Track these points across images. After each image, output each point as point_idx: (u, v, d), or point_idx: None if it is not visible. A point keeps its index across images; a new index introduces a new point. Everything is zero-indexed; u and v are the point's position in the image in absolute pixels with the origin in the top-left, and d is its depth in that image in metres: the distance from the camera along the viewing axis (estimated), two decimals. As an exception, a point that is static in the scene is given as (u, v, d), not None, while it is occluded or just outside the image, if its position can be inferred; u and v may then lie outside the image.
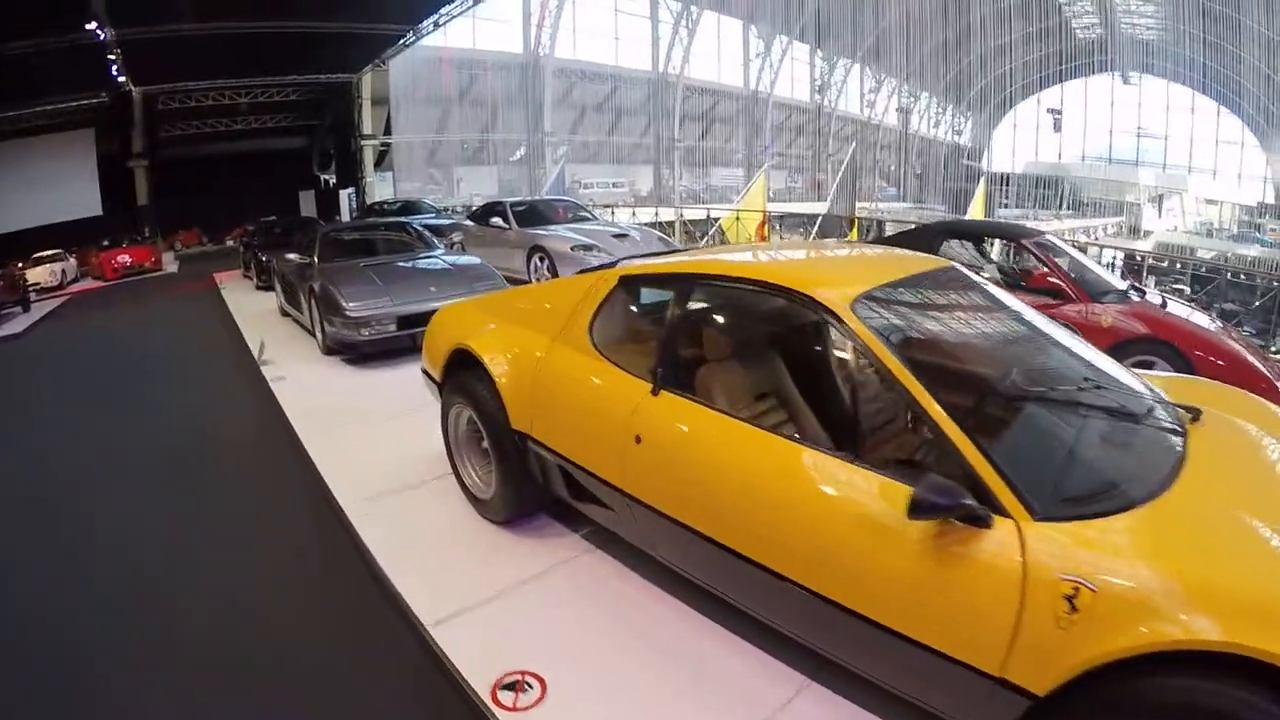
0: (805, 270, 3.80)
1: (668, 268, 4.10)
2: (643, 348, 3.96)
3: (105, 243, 29.07)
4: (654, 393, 3.57)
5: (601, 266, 4.68)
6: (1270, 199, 44.24)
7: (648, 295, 4.32)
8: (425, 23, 33.38)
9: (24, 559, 5.17)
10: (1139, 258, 29.10)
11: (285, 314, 12.42)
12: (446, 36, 37.97)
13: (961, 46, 51.92)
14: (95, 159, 35.74)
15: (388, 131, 40.95)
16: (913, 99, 56.98)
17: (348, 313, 8.60)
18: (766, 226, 21.65)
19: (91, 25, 25.69)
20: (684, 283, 3.85)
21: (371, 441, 6.39)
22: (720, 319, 4.14)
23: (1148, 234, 48.12)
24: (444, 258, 10.64)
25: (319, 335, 9.60)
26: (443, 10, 32.82)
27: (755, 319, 4.15)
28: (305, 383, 8.49)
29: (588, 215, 15.14)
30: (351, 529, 4.83)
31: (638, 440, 3.50)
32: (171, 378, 10.44)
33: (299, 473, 6.02)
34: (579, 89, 46.17)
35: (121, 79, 31.51)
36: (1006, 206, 50.96)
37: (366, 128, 39.58)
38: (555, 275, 11.79)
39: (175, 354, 12.37)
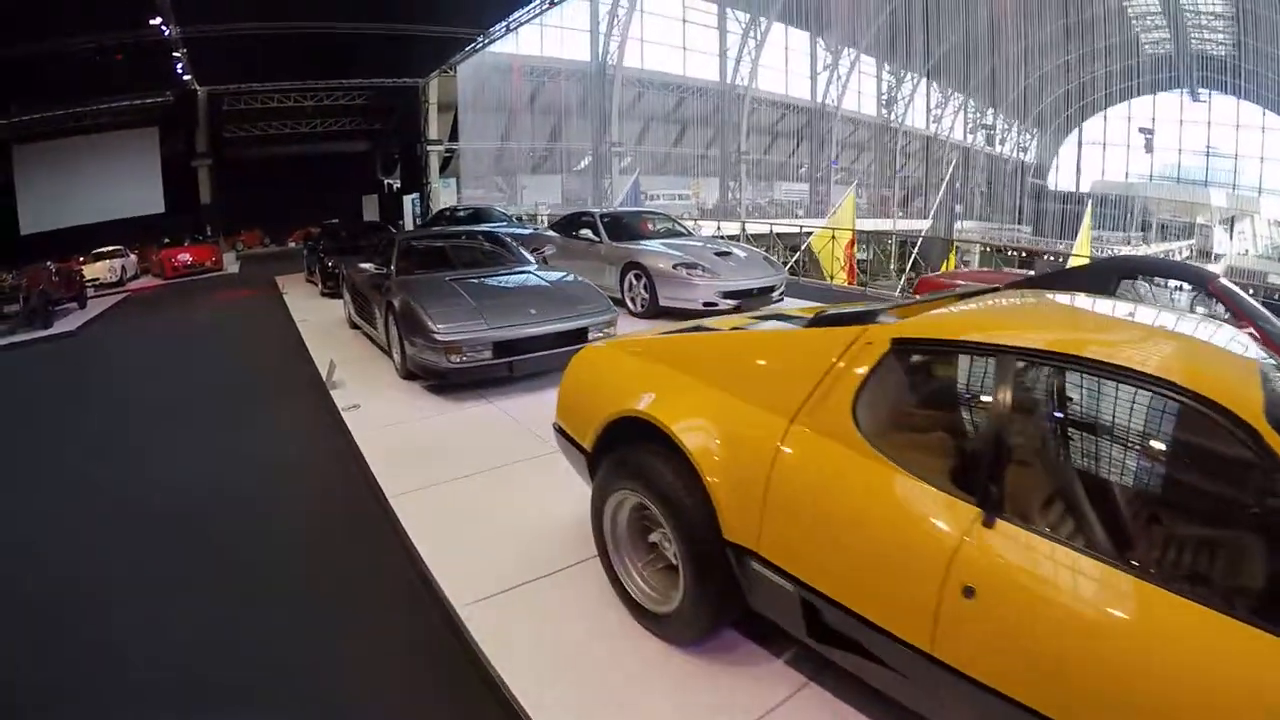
0: (1189, 359, 2.45)
1: (964, 332, 2.76)
2: (945, 446, 2.72)
3: (166, 240, 28.23)
4: (987, 522, 2.28)
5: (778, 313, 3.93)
6: None
7: (938, 366, 2.96)
8: (496, 26, 32.16)
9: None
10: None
11: (354, 326, 11.28)
12: (518, 42, 36.90)
13: (1029, 62, 49.91)
14: (159, 157, 35.15)
15: (453, 138, 39.98)
16: (980, 115, 55.06)
17: (435, 335, 7.34)
18: (855, 246, 20.28)
19: (156, 21, 24.82)
20: (1007, 359, 2.52)
21: (476, 502, 5.12)
22: (1075, 417, 2.59)
23: (1219, 257, 45.87)
24: (538, 273, 9.39)
25: (396, 356, 8.42)
26: (513, 15, 31.52)
27: (1128, 422, 2.64)
28: (383, 414, 7.21)
29: (681, 229, 13.87)
30: (471, 642, 3.51)
31: (967, 593, 2.23)
32: (227, 395, 9.25)
33: (386, 542, 4.76)
34: (646, 99, 44.85)
35: (186, 77, 30.89)
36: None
37: (433, 133, 38.67)
38: (653, 296, 10.84)
39: (233, 365, 11.22)
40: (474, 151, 40.81)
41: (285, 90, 35.59)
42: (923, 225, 45.68)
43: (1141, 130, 47.22)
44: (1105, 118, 54.46)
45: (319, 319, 12.91)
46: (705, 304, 10.58)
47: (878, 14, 46.74)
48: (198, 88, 33.15)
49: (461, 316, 7.52)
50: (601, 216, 13.02)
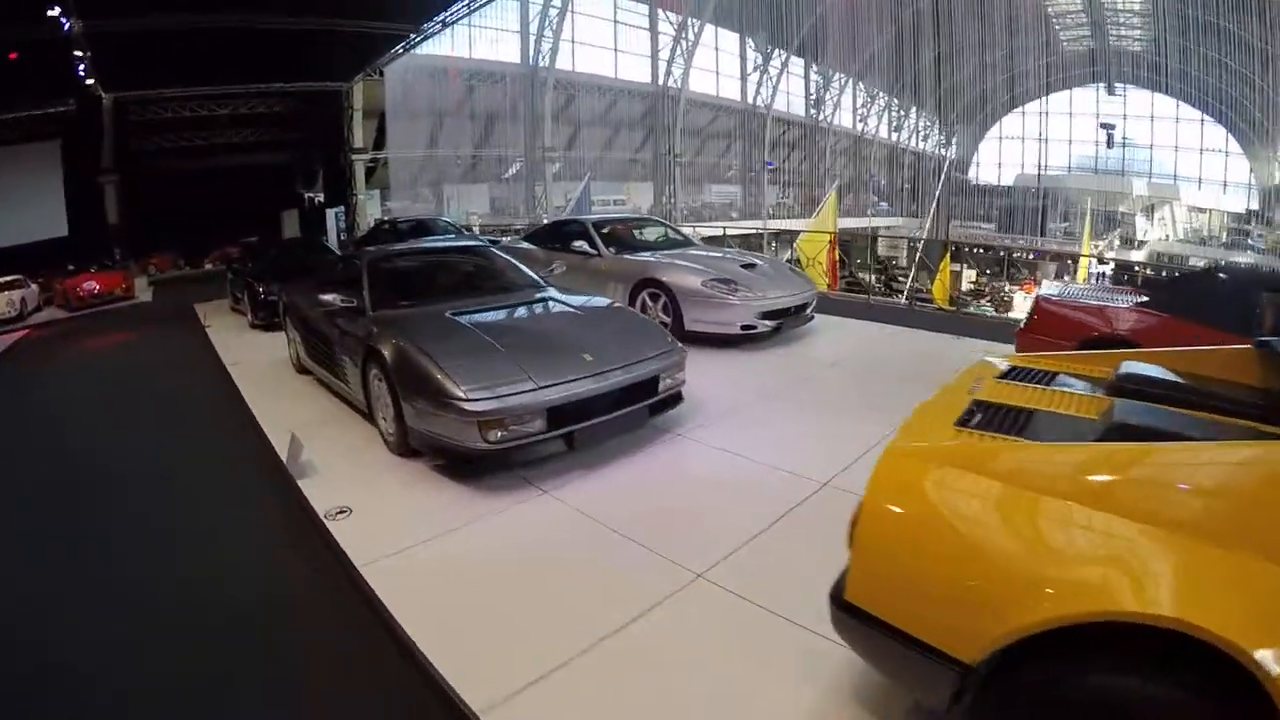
0: None
1: None
2: None
3: (70, 267, 24.66)
4: None
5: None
6: (1255, 206, 42.91)
7: None
8: (431, 23, 29.21)
9: None
10: (1135, 269, 28.38)
11: (303, 371, 8.86)
12: (451, 43, 34.37)
13: (952, 61, 49.39)
14: (61, 174, 31.14)
15: (378, 146, 36.91)
16: (903, 114, 54.29)
17: (463, 403, 4.99)
18: (838, 250, 18.86)
19: (55, 11, 21.36)
20: None
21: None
22: None
23: (1142, 244, 47.02)
24: (560, 298, 7.10)
25: (384, 423, 6.04)
26: (449, 9, 28.74)
27: None
28: (392, 526, 4.80)
29: (679, 236, 11.75)
30: None
31: None
32: (146, 491, 6.20)
33: None
34: (577, 103, 42.42)
35: (90, 82, 27.22)
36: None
37: (357, 141, 35.47)
38: (677, 319, 8.76)
39: (151, 437, 7.69)
40: (400, 160, 37.92)
41: (198, 98, 32.15)
42: (854, 223, 46.43)
43: (1103, 125, 46.83)
44: (1023, 113, 54.77)
45: (255, 360, 10.30)
46: (743, 328, 8.69)
47: (806, 16, 45.51)
48: (103, 94, 29.53)
49: (495, 372, 5.24)
50: (595, 225, 10.76)
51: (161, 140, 34.62)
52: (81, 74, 25.96)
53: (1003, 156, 55.83)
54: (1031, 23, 46.05)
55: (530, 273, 7.75)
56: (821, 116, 50.78)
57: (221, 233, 36.67)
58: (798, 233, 38.43)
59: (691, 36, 42.43)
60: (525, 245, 11.27)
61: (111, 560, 4.92)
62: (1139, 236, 47.61)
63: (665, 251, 10.22)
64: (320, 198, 38.80)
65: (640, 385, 5.68)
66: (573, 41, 40.72)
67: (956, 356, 7.88)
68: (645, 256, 9.85)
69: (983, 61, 49.29)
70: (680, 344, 6.36)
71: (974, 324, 11.44)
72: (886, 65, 49.46)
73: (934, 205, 24.35)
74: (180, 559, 4.87)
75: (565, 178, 40.91)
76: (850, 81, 51.20)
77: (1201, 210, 46.30)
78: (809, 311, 9.63)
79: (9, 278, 23.43)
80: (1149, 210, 48.26)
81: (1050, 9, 47.79)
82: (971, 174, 57.01)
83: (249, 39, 24.82)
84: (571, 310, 6.69)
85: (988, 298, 37.18)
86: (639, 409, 5.71)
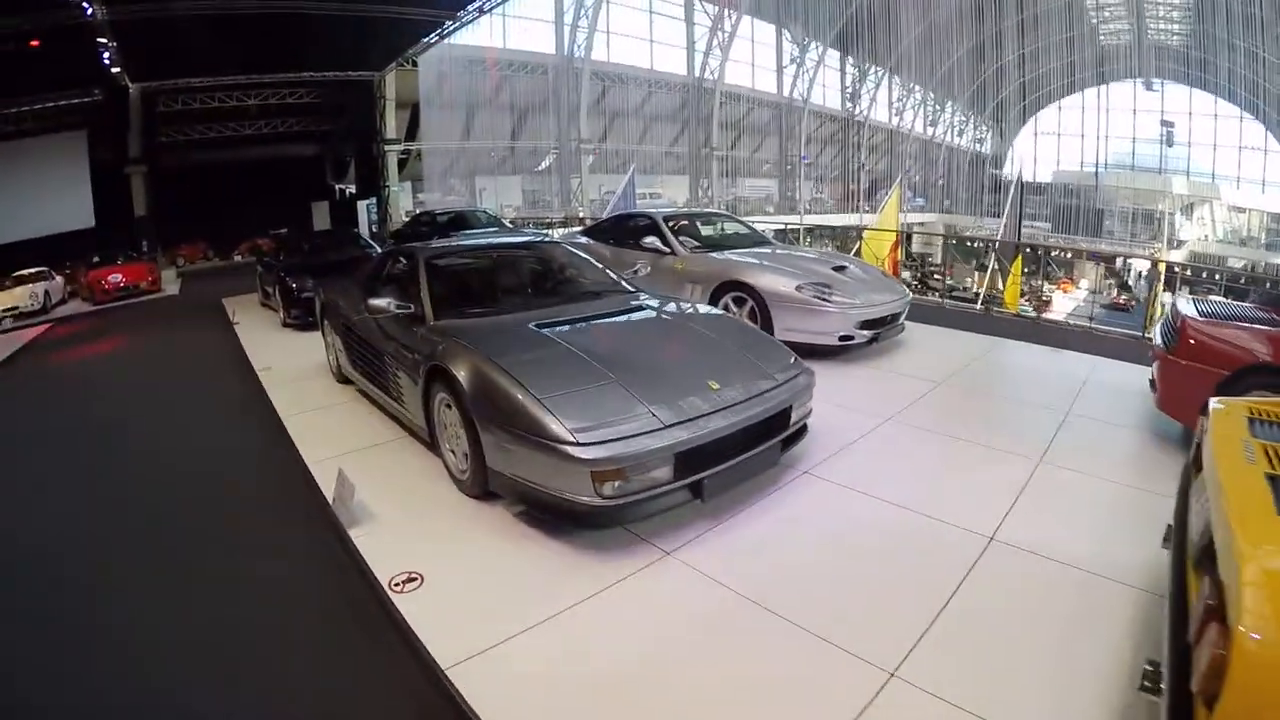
0: None
1: None
2: None
3: (96, 259, 23.47)
4: None
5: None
6: None
7: None
8: (468, 9, 27.94)
9: None
10: (1175, 269, 27.97)
11: (344, 380, 7.71)
12: (490, 33, 33.27)
13: (986, 56, 48.75)
14: (88, 165, 30.12)
15: (409, 137, 35.79)
16: (939, 108, 53.05)
17: (573, 448, 3.85)
18: (900, 249, 18.01)
19: (78, -2, 20.25)
20: None
21: None
22: None
23: (1181, 244, 45.91)
24: (659, 306, 5.97)
25: (451, 456, 4.97)
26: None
27: None
28: (474, 603, 3.73)
29: (755, 233, 10.62)
30: None
31: None
32: (163, 540, 4.80)
33: None
34: (611, 94, 41.20)
35: (115, 70, 26.14)
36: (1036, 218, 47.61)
37: (390, 132, 34.31)
38: (768, 328, 7.61)
39: (171, 469, 6.12)
40: (432, 152, 36.87)
41: (227, 87, 31.01)
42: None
43: (1163, 123, 45.07)
44: (1060, 108, 54.18)
45: (288, 366, 9.11)
46: (841, 338, 7.65)
47: (844, 8, 44.75)
48: (129, 84, 28.43)
49: (608, 406, 4.13)
50: (667, 219, 9.63)
51: (190, 131, 33.58)
52: (107, 63, 24.90)
53: (1039, 152, 54.62)
54: (1074, 15, 45.02)
55: (613, 274, 6.60)
56: (857, 110, 49.45)
57: (251, 224, 36.21)
58: (833, 228, 37.70)
59: (728, 27, 41.08)
60: (584, 241, 10.13)
61: (119, 656, 3.78)
62: (1179, 236, 46.26)
63: (745, 250, 9.13)
64: (351, 189, 37.81)
65: (775, 418, 4.59)
66: (608, 32, 39.58)
67: (1065, 374, 7.49)
68: (728, 256, 8.76)
69: (1020, 55, 48.63)
70: (801, 359, 5.25)
71: (1057, 333, 10.61)
72: (922, 58, 48.37)
73: (1009, 204, 23.20)
74: (210, 657, 3.70)
75: (600, 170, 40.06)
76: (886, 75, 49.96)
77: (1241, 210, 45.16)
78: (902, 320, 8.57)
79: (31, 270, 22.56)
80: (1188, 209, 47.06)
81: (1089, 1, 46.65)
82: (1006, 170, 55.38)
83: (278, 26, 23.74)
84: (678, 322, 5.57)
85: (1026, 297, 36.22)
86: (772, 446, 4.62)
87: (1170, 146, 45.47)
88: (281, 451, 5.97)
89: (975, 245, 39.20)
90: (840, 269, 8.45)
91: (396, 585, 3.77)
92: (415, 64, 33.11)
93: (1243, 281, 29.91)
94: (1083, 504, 4.54)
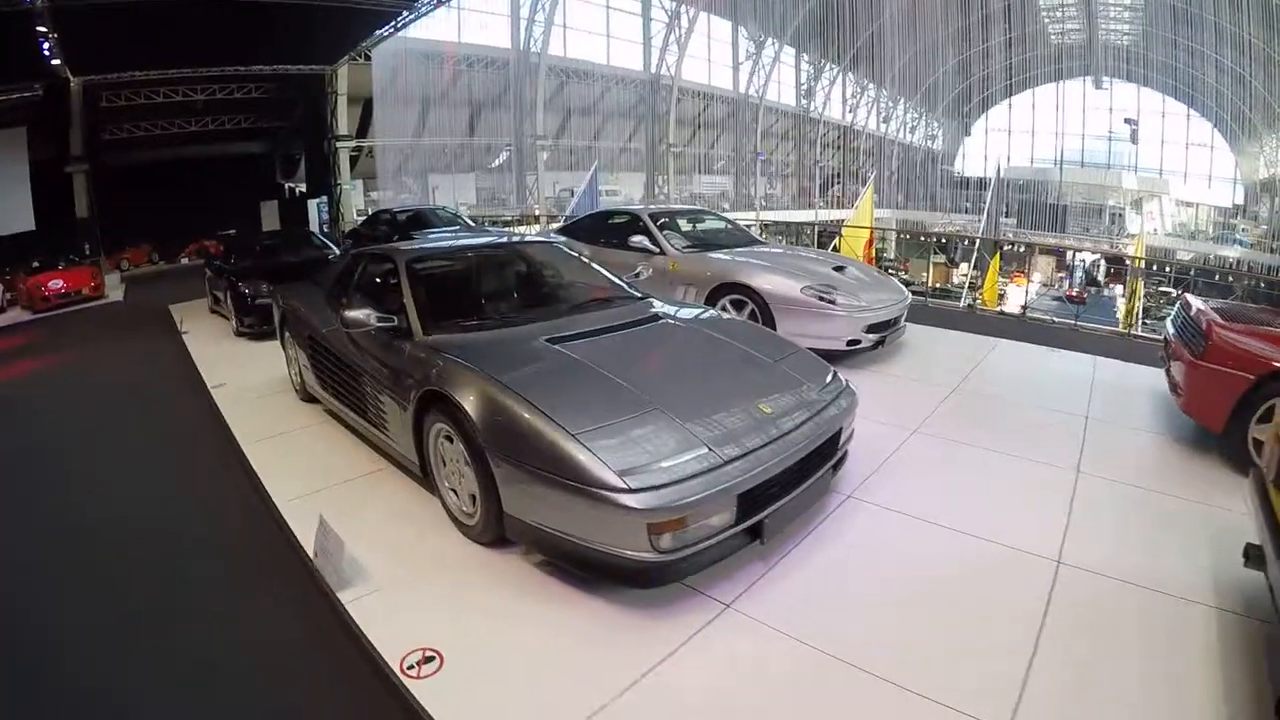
0: None
1: None
2: None
3: (35, 264, 22.25)
4: None
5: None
6: (1241, 200, 42.83)
7: None
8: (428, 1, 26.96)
9: None
10: (1126, 262, 28.82)
11: (310, 398, 6.88)
12: (443, 25, 32.22)
13: (939, 54, 48.88)
14: (28, 164, 28.44)
15: (360, 134, 34.64)
16: (891, 105, 53.03)
17: (623, 495, 3.19)
18: (873, 245, 17.66)
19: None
20: None
21: None
22: None
23: (1132, 236, 45.47)
24: (677, 316, 5.33)
25: (453, 497, 4.25)
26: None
27: None
28: (511, 689, 3.03)
29: (743, 231, 10.04)
30: None
31: None
32: (122, 634, 3.71)
33: None
34: (567, 90, 40.42)
35: (56, 62, 24.71)
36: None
37: (342, 128, 33.03)
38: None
39: (118, 529, 4.94)
40: (385, 149, 35.68)
41: (173, 82, 29.60)
42: (841, 214, 45.47)
43: (1127, 121, 45.82)
44: (1010, 105, 54.13)
45: (244, 381, 8.23)
46: (849, 343, 7.15)
47: (799, 6, 44.54)
48: (71, 78, 26.95)
49: (656, 440, 3.50)
50: (653, 217, 8.99)
51: (134, 128, 32.31)
52: (47, 53, 23.56)
53: (989, 149, 54.58)
54: (1028, 14, 45.36)
55: (618, 279, 5.89)
56: (812, 107, 49.10)
57: (197, 225, 34.98)
58: (786, 224, 37.28)
59: (685, 23, 40.44)
60: (557, 239, 9.43)
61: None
62: (1129, 229, 45.95)
63: (739, 250, 8.54)
64: (302, 188, 36.60)
65: (827, 445, 4.03)
66: (564, 26, 38.64)
67: (1069, 375, 7.40)
68: (721, 256, 8.16)
69: (971, 53, 48.69)
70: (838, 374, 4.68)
71: (1044, 331, 10.48)
72: (876, 56, 48.19)
73: (989, 202, 23.09)
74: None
75: (555, 167, 39.28)
76: (841, 72, 49.64)
77: (1189, 204, 45.65)
78: (903, 321, 8.08)
79: (-32, 279, 21.32)
80: (1137, 204, 47.13)
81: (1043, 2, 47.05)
82: (956, 166, 56.24)
83: (227, 16, 22.61)
84: (702, 332, 4.91)
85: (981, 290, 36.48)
86: (824, 475, 4.09)
87: (1135, 144, 45.55)
88: (244, 490, 5.17)
89: (925, 240, 39.07)
90: (840, 269, 7.96)
91: (411, 669, 3.07)
92: (369, 58, 31.96)
93: (1191, 273, 30.36)
94: (1134, 518, 4.36)
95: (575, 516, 3.31)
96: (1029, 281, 42.49)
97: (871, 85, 51.39)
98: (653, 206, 10.70)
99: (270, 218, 36.35)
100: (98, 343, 14.32)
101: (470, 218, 19.45)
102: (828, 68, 48.84)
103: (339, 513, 4.15)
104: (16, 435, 7.75)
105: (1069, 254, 42.90)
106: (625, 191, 42.00)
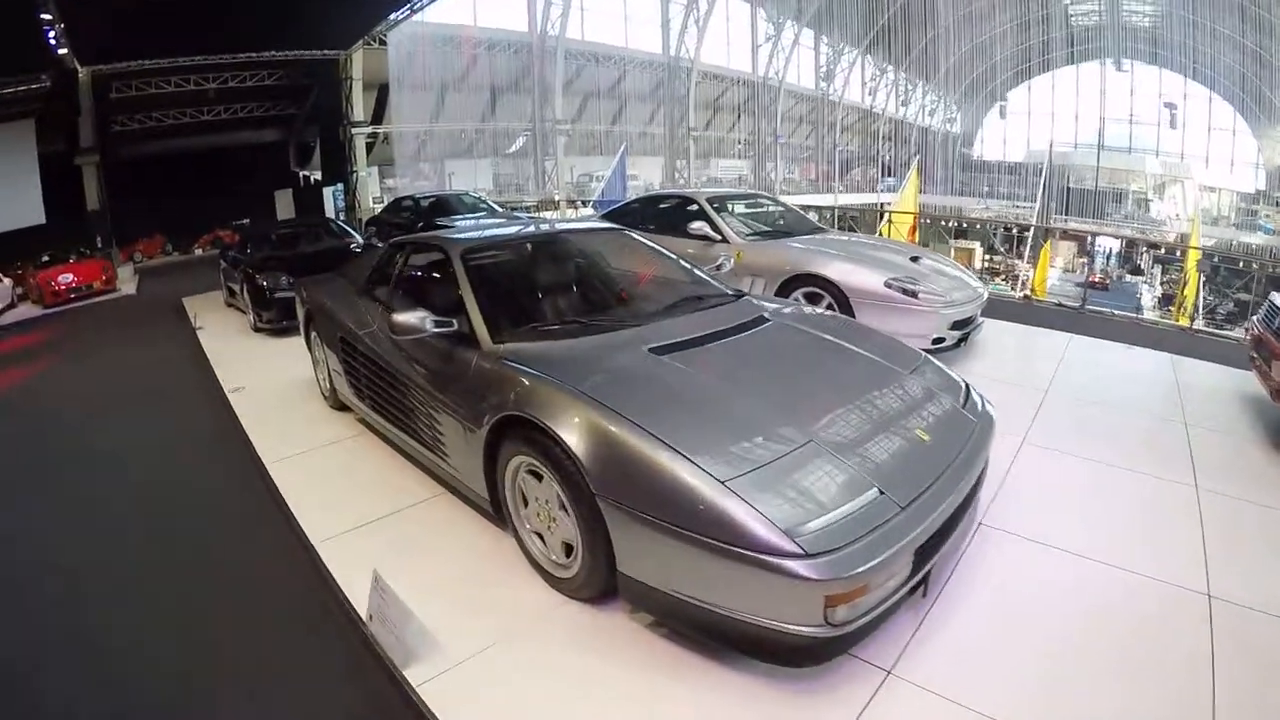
0: None
1: None
2: None
3: (45, 258, 21.46)
4: None
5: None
6: (1263, 185, 42.02)
7: None
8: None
9: None
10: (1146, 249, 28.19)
11: (341, 406, 6.11)
12: (462, 9, 31.32)
13: (958, 36, 48.67)
14: (36, 157, 27.52)
15: (375, 120, 33.74)
16: (910, 89, 52.31)
17: (798, 562, 2.44)
18: (917, 231, 17.56)
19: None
20: None
21: None
22: None
23: (1155, 221, 45.59)
24: (774, 309, 4.59)
25: (537, 545, 3.53)
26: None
27: None
28: None
29: (795, 213, 9.16)
30: None
31: None
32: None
33: None
34: (584, 74, 39.47)
35: (63, 51, 23.76)
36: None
37: (357, 114, 31.99)
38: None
39: (127, 572, 4.20)
40: (400, 135, 34.66)
41: (184, 70, 28.62)
42: (861, 199, 44.78)
43: (1167, 105, 44.41)
44: (1029, 89, 53.27)
45: (264, 385, 7.46)
46: (934, 341, 6.42)
47: None
48: (79, 67, 26.08)
49: (821, 485, 2.78)
50: (711, 201, 8.13)
51: (145, 118, 31.41)
52: (53, 43, 22.67)
53: (1008, 132, 53.80)
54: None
55: (697, 270, 5.04)
56: (831, 90, 48.26)
57: (211, 216, 34.42)
58: (805, 209, 36.61)
59: (705, 5, 39.42)
60: (601, 224, 8.64)
61: None
62: (1153, 215, 45.86)
63: (807, 237, 7.73)
64: (317, 176, 35.81)
65: (979, 478, 3.41)
66: (581, 9, 37.62)
67: (1153, 376, 6.91)
68: (794, 244, 7.36)
69: (990, 35, 47.95)
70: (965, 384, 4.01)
71: (1104, 324, 9.81)
72: (897, 38, 47.77)
73: (1041, 190, 22.54)
74: None
75: (573, 152, 38.43)
76: (860, 55, 48.83)
77: (1212, 189, 44.73)
78: (980, 317, 7.31)
79: (-20, 273, 20.56)
80: (1160, 188, 46.57)
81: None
82: (975, 150, 55.50)
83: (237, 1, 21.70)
84: (822, 337, 4.13)
85: (1002, 276, 35.85)
86: (974, 507, 3.50)
87: (1175, 129, 44.74)
88: (271, 521, 4.35)
89: (947, 225, 38.46)
90: (915, 259, 7.19)
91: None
92: (383, 42, 31.01)
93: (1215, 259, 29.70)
94: (1267, 541, 3.92)
95: (724, 584, 2.59)
96: (1050, 266, 42.42)
97: (890, 69, 50.56)
98: (707, 190, 9.93)
99: (285, 207, 35.79)
100: (108, 341, 13.49)
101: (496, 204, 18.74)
102: (846, 50, 47.75)
103: (390, 554, 3.46)
104: (8, 452, 6.90)
105: (1087, 239, 42.31)
106: (644, 176, 41.10)
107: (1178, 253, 24.63)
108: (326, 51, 30.10)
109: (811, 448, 2.88)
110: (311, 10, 24.08)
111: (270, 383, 7.45)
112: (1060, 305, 12.03)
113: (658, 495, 2.71)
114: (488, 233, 5.22)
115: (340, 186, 32.71)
